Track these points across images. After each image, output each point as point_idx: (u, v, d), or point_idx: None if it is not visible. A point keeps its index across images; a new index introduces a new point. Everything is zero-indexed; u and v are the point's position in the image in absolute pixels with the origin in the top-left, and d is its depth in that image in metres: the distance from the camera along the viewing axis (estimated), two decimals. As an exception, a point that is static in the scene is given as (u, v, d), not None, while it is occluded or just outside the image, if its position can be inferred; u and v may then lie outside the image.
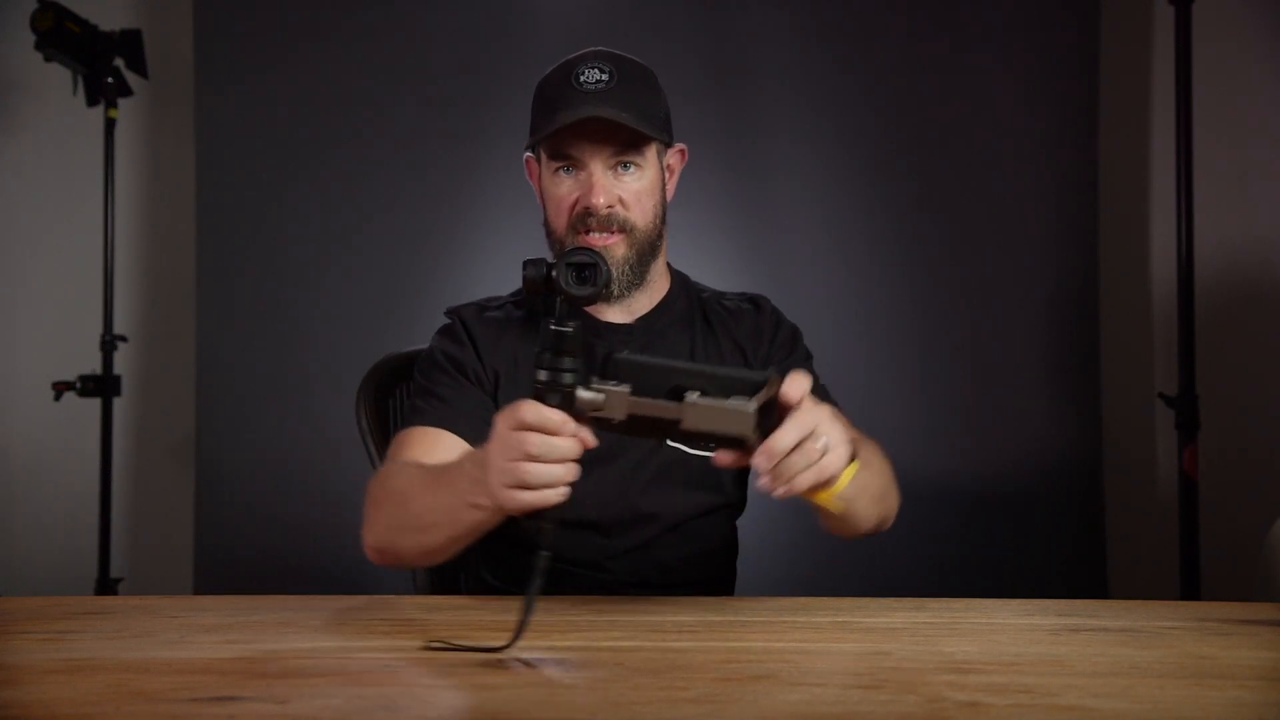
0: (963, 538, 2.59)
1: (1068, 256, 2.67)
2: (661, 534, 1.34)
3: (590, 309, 1.37)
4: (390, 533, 1.16)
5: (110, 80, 2.59)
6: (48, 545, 2.86)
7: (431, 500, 1.10)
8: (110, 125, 2.62)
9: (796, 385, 0.96)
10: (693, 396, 0.92)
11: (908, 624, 1.02)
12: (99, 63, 2.57)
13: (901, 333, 2.63)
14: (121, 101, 2.63)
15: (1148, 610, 1.11)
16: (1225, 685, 0.82)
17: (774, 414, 0.95)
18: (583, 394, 0.93)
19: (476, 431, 1.30)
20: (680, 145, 1.40)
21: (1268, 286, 2.64)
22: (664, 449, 1.33)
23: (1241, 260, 2.65)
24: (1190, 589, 2.41)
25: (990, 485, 2.59)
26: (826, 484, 0.99)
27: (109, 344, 2.62)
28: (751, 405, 0.92)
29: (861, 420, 1.19)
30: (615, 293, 1.33)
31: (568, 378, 0.93)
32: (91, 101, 2.60)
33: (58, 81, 2.67)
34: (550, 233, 1.34)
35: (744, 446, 0.95)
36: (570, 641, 0.96)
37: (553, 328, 0.93)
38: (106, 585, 2.54)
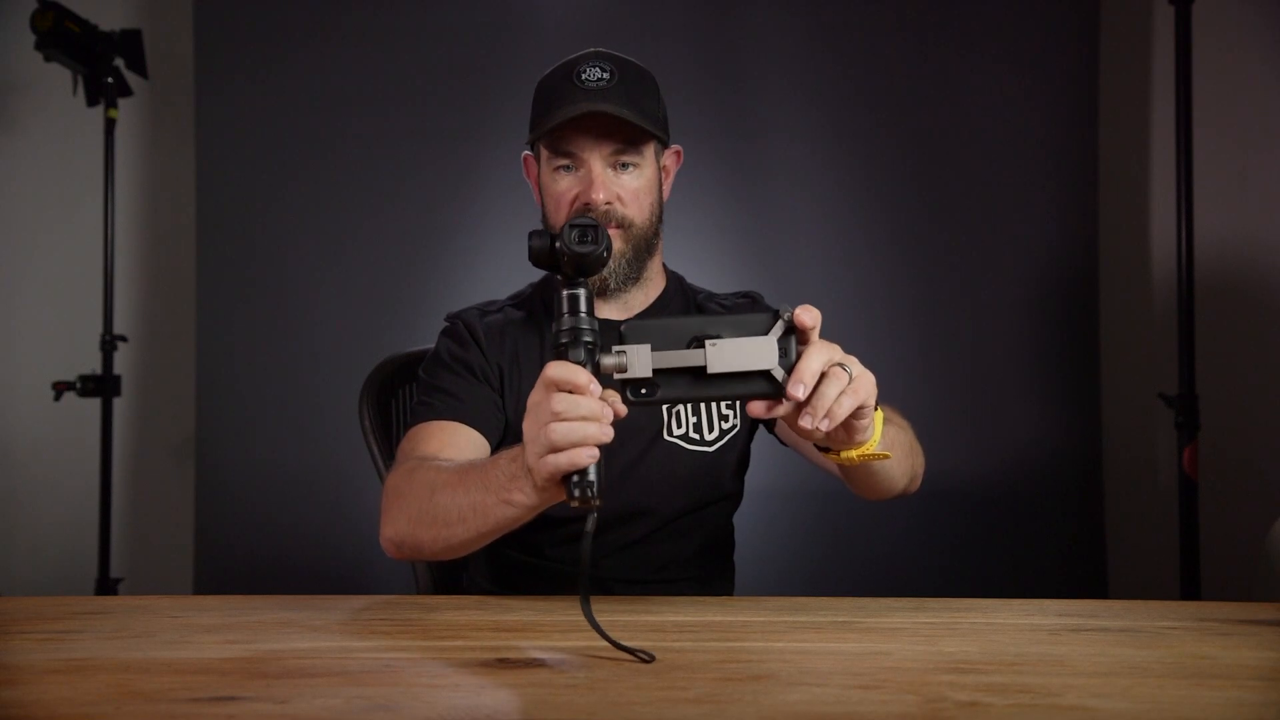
0: (963, 538, 2.59)
1: (1068, 256, 2.67)
2: (654, 530, 1.35)
3: None
4: (413, 526, 1.15)
5: (110, 80, 2.59)
6: (48, 545, 2.87)
7: (462, 495, 1.09)
8: (110, 125, 2.62)
9: (809, 311, 0.95)
10: (712, 341, 0.93)
11: (908, 624, 1.02)
12: (99, 63, 2.57)
13: (901, 333, 2.63)
14: (121, 101, 2.64)
15: (1148, 610, 1.11)
16: (1225, 685, 0.82)
17: (793, 350, 0.94)
18: (605, 359, 0.93)
19: (488, 425, 1.31)
20: (676, 146, 1.41)
21: (1268, 286, 2.64)
22: (660, 444, 1.33)
23: (1242, 260, 2.65)
24: (1190, 589, 2.41)
25: (990, 485, 2.59)
26: (865, 430, 1.00)
27: (109, 344, 2.62)
28: (771, 336, 0.93)
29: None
30: (612, 285, 1.34)
31: (588, 335, 0.93)
32: (91, 101, 2.60)
33: (58, 81, 2.67)
34: (549, 229, 1.35)
35: (774, 390, 0.95)
36: (570, 641, 0.96)
37: (565, 291, 0.93)
38: (106, 585, 2.54)
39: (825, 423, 0.95)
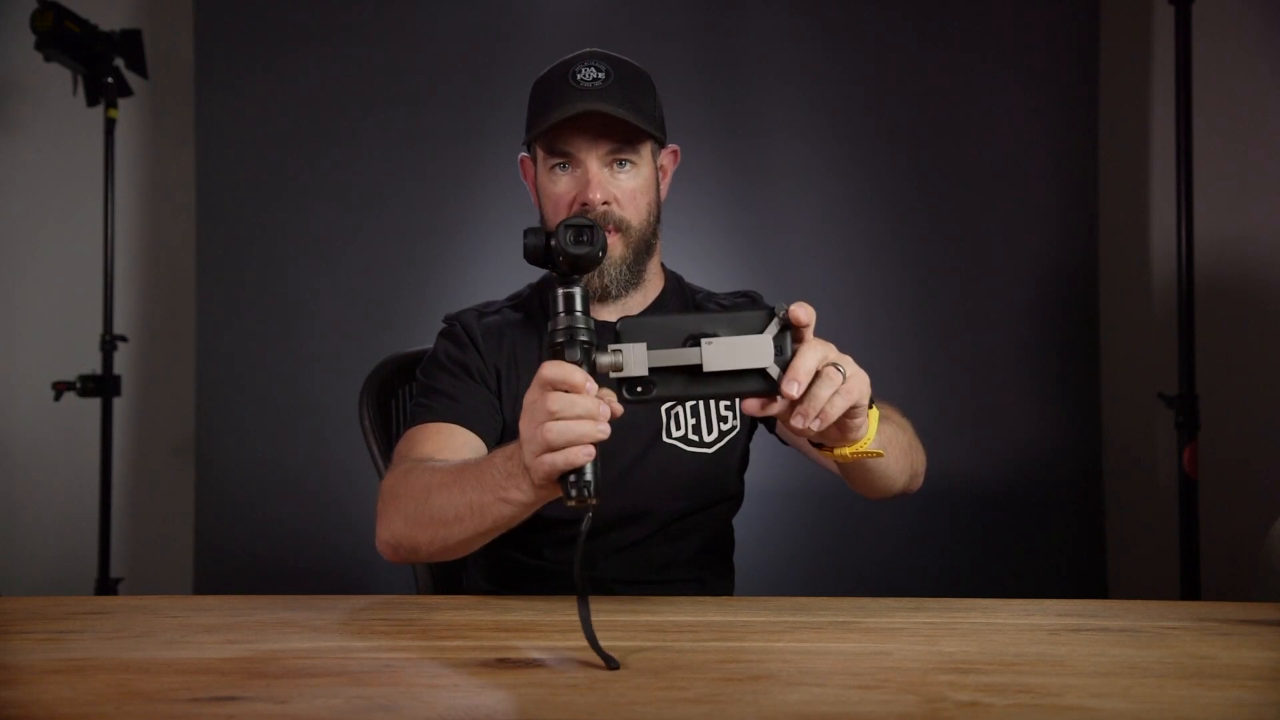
0: (962, 538, 2.59)
1: (1068, 256, 2.67)
2: (654, 532, 1.35)
3: None
4: (410, 528, 1.14)
5: (110, 80, 2.59)
6: (48, 545, 2.87)
7: (458, 495, 1.09)
8: (110, 125, 2.62)
9: (804, 308, 0.96)
10: (707, 339, 0.93)
11: (908, 624, 1.02)
12: (99, 63, 2.57)
13: (901, 333, 2.63)
14: (121, 101, 2.64)
15: (1148, 610, 1.11)
16: (1225, 685, 0.82)
17: (788, 348, 0.95)
18: (601, 358, 0.93)
19: (485, 427, 1.31)
20: (673, 146, 1.41)
21: (1268, 286, 2.64)
22: (659, 446, 1.33)
23: (1241, 260, 2.65)
24: (1190, 589, 2.41)
25: (990, 485, 2.59)
26: (858, 429, 1.01)
27: (109, 344, 2.62)
28: (766, 334, 0.94)
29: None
30: (614, 292, 1.34)
31: (583, 335, 0.93)
32: (91, 101, 2.60)
33: (58, 81, 2.67)
34: (544, 228, 1.35)
35: (769, 388, 0.95)
36: (570, 642, 0.96)
37: (560, 290, 0.94)
38: (106, 585, 2.54)
39: (817, 423, 0.96)
